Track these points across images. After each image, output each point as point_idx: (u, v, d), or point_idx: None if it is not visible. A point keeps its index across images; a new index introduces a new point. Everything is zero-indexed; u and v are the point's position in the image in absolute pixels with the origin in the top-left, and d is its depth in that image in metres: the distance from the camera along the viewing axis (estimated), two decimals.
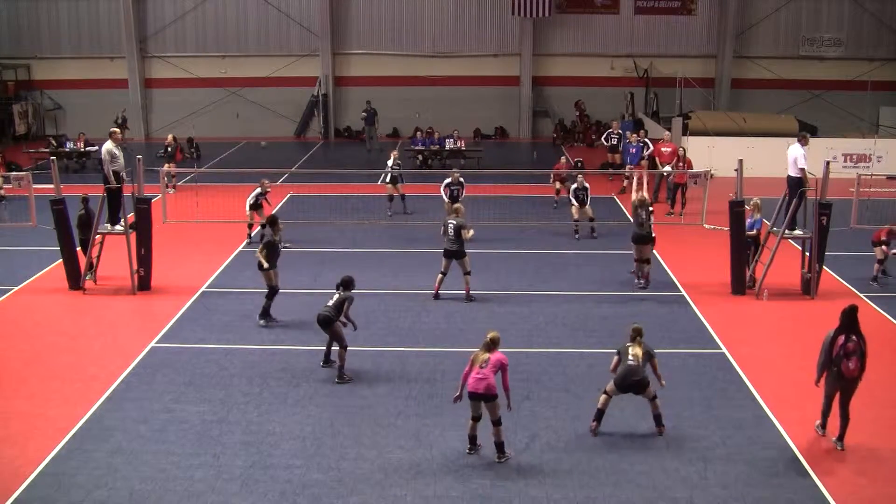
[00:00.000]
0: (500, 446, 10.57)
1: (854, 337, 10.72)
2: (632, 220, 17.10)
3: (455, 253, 16.23)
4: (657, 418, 11.31)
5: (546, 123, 39.44)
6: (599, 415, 11.33)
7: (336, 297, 12.88)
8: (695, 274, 18.16)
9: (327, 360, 13.36)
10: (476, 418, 10.57)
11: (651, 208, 17.11)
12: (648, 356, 11.16)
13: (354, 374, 13.12)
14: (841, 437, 11.01)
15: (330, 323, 12.74)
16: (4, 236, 20.68)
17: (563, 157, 27.18)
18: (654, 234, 17.03)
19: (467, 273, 16.31)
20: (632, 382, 11.04)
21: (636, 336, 11.21)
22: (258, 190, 20.32)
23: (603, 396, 11.32)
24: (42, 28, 38.47)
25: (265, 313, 15.22)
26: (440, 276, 16.48)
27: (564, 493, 9.92)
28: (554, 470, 10.41)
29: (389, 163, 23.36)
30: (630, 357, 11.05)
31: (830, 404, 11.10)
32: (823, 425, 11.27)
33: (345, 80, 39.14)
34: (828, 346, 10.82)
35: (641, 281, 17.05)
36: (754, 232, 17.17)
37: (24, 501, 9.75)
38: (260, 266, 14.93)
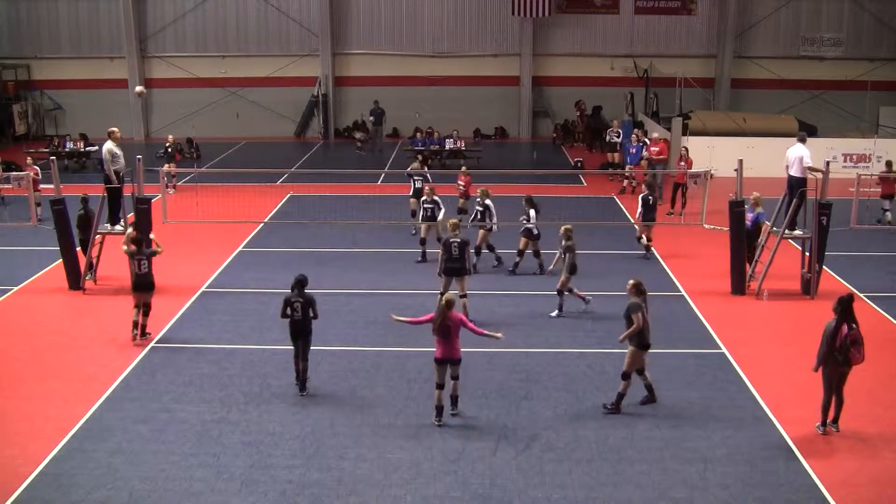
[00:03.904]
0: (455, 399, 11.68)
1: (854, 325, 10.93)
2: None
3: (458, 270, 15.11)
4: None
5: (546, 123, 39.42)
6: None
7: (300, 303, 12.03)
8: (695, 274, 18.16)
9: (304, 384, 12.50)
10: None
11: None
12: None
13: (354, 374, 13.14)
14: (836, 420, 11.31)
15: (311, 331, 12.32)
16: (4, 236, 20.68)
17: (463, 166, 22.41)
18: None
19: (464, 296, 15.09)
20: None
21: None
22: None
23: None
24: (42, 28, 38.40)
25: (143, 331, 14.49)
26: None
27: (564, 493, 9.92)
28: (554, 470, 10.41)
29: (411, 171, 21.88)
30: None
31: (831, 396, 11.21)
32: (824, 423, 11.30)
33: (345, 80, 39.12)
34: (830, 335, 10.95)
35: None
36: (749, 224, 17.10)
37: (24, 501, 9.76)
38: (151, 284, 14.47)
